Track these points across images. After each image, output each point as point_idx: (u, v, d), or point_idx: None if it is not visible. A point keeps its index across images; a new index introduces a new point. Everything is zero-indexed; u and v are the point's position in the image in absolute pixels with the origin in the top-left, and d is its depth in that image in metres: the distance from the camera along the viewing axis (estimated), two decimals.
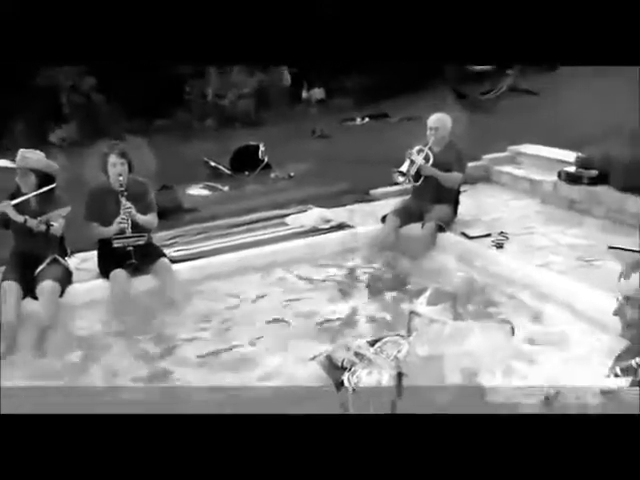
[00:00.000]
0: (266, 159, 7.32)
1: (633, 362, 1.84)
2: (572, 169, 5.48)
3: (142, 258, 4.34)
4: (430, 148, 4.94)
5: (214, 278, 4.61)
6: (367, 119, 9.68)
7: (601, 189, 5.19)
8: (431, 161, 4.92)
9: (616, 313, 1.93)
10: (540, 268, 4.20)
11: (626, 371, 1.85)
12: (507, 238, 4.75)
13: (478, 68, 10.05)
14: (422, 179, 4.95)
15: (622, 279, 2.43)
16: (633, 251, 2.48)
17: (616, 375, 1.87)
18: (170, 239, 5.28)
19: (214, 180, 7.05)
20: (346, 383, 2.68)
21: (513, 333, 3.04)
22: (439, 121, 5.02)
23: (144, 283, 4.35)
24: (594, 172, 5.27)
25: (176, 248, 5.09)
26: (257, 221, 5.62)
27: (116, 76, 9.20)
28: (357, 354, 2.78)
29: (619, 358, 2.02)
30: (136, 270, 4.34)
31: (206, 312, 4.24)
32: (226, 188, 6.83)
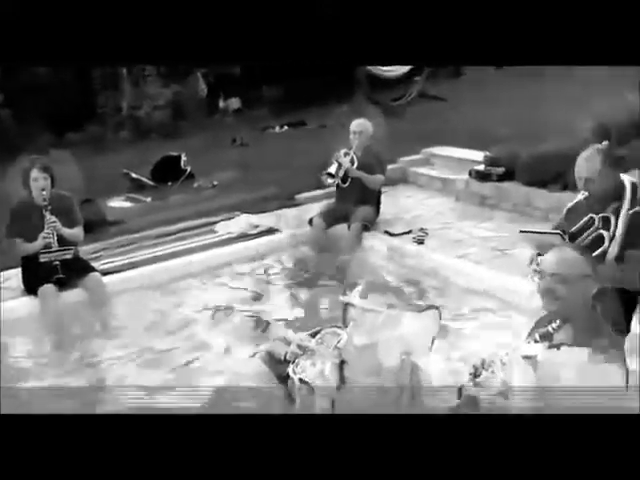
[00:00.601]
0: (189, 169, 7.32)
1: (549, 328, 2.08)
2: (481, 167, 5.88)
3: (70, 272, 4.28)
4: (354, 152, 5.16)
5: (144, 288, 4.63)
6: (286, 127, 9.86)
7: (508, 185, 5.61)
8: (356, 164, 5.14)
9: (541, 290, 2.14)
10: (458, 259, 4.51)
11: (544, 337, 2.09)
12: (427, 234, 5.05)
13: (389, 75, 10.47)
14: (349, 181, 5.16)
15: (536, 261, 2.71)
16: (541, 233, 2.78)
17: (535, 341, 2.11)
18: (95, 252, 5.21)
19: (136, 192, 6.98)
20: (292, 374, 2.79)
21: (440, 317, 3.27)
22: (361, 125, 5.25)
23: (73, 297, 4.29)
24: (501, 169, 5.69)
25: (103, 261, 5.04)
26: (185, 230, 5.64)
27: (24, 90, 8.87)
28: (300, 346, 2.90)
29: (537, 325, 2.27)
30: (64, 285, 4.28)
31: (140, 322, 4.24)
32: (149, 199, 6.78)
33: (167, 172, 7.30)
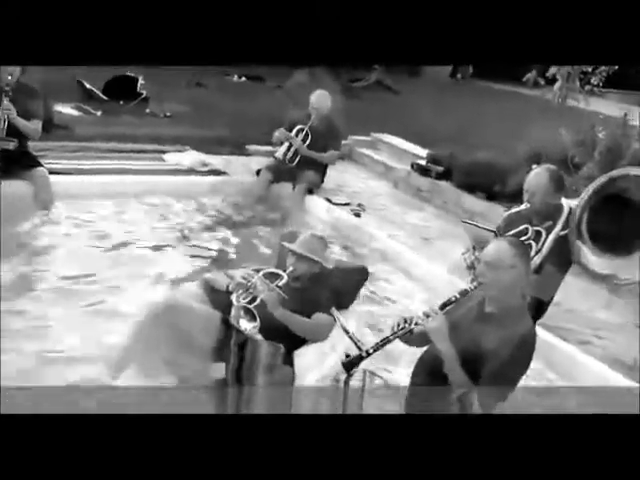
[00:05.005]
0: (145, 93, 7.25)
1: (468, 287, 2.42)
2: (423, 162, 6.33)
3: (13, 164, 4.28)
4: (310, 125, 5.22)
5: (83, 197, 4.72)
6: (244, 78, 9.88)
7: (443, 184, 6.09)
8: (308, 141, 5.25)
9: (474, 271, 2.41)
10: (389, 238, 4.91)
11: (462, 294, 2.36)
12: (364, 209, 5.42)
13: None
14: (297, 159, 5.22)
15: (471, 251, 3.04)
16: (479, 227, 3.16)
17: (455, 298, 2.38)
18: (39, 151, 5.17)
19: (86, 102, 6.86)
20: (234, 302, 2.94)
21: (367, 275, 3.59)
22: (321, 96, 5.38)
23: (15, 187, 4.31)
24: (441, 168, 6.15)
25: (47, 161, 5.02)
26: (134, 151, 5.69)
27: None
28: (245, 278, 3.06)
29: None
30: (5, 173, 4.26)
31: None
32: (99, 113, 6.69)
33: (121, 91, 7.19)
